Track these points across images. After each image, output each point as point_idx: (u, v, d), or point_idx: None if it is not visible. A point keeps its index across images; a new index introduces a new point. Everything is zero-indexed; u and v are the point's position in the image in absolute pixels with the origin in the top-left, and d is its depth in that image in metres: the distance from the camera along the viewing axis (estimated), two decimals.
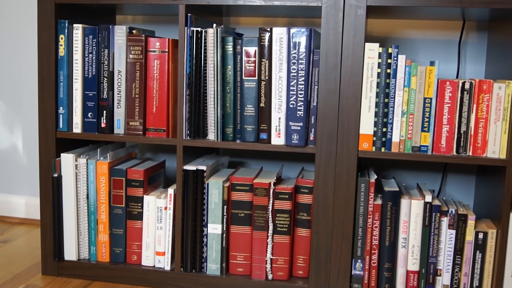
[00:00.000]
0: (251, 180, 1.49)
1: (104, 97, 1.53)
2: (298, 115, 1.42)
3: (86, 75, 1.53)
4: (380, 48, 1.38)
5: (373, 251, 1.45)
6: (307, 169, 1.71)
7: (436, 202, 1.43)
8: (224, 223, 1.51)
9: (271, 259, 1.50)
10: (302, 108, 1.42)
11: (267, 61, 1.43)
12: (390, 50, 1.37)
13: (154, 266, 1.57)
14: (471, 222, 1.42)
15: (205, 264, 1.53)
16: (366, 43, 1.38)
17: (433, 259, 1.44)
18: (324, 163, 1.43)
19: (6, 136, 2.11)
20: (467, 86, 1.37)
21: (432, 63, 1.39)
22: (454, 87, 1.37)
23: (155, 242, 1.55)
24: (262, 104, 1.45)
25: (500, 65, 1.50)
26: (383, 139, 1.41)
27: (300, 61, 1.40)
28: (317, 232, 1.46)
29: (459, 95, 1.37)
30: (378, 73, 1.38)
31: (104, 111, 1.54)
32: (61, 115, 1.55)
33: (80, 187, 1.56)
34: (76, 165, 1.55)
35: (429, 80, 1.37)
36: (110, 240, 1.58)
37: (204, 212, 1.51)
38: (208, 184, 1.50)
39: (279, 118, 1.44)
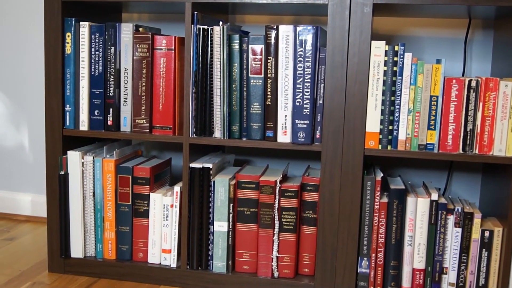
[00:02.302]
0: (257, 178, 1.49)
1: (111, 94, 1.53)
2: (304, 113, 1.42)
3: (93, 73, 1.54)
4: (387, 46, 1.38)
5: (379, 249, 1.45)
6: (313, 167, 1.71)
7: (442, 200, 1.43)
8: (230, 220, 1.51)
9: (277, 257, 1.50)
10: (308, 106, 1.42)
11: (273, 59, 1.43)
12: (396, 48, 1.37)
13: (160, 263, 1.57)
14: (477, 220, 1.42)
15: (211, 261, 1.54)
16: (373, 41, 1.38)
17: (439, 257, 1.44)
18: (330, 161, 1.43)
19: (12, 134, 2.12)
20: (473, 84, 1.36)
21: (438, 61, 1.38)
22: (461, 85, 1.37)
23: (161, 240, 1.56)
24: (268, 102, 1.45)
25: (506, 63, 1.50)
26: (389, 137, 1.41)
27: (306, 59, 1.41)
28: (323, 230, 1.46)
29: (466, 93, 1.37)
30: (385, 71, 1.38)
31: (111, 109, 1.54)
32: (67, 113, 1.56)
33: (86, 185, 1.57)
34: (82, 162, 1.56)
35: (436, 78, 1.37)
36: (117, 238, 1.59)
37: (210, 209, 1.51)
38: (214, 181, 1.50)
39: (285, 116, 1.44)
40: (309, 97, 1.42)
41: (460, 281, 1.44)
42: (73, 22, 1.52)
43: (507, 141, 1.37)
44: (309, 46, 1.40)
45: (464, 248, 1.43)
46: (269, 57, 1.43)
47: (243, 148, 1.89)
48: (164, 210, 1.54)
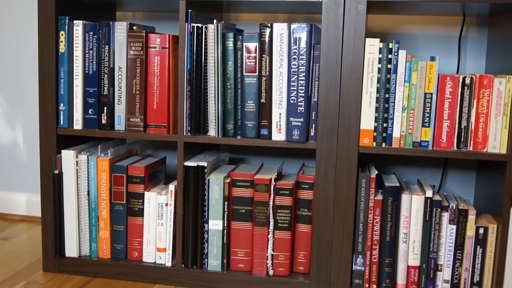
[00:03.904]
0: (252, 176, 1.49)
1: (105, 93, 1.53)
2: (298, 111, 1.42)
3: (87, 72, 1.53)
4: (381, 44, 1.38)
5: (374, 247, 1.45)
6: (307, 165, 1.71)
7: (437, 198, 1.43)
8: (225, 219, 1.51)
9: (272, 255, 1.50)
10: (303, 103, 1.42)
11: (267, 57, 1.43)
12: (390, 46, 1.37)
13: (155, 262, 1.57)
14: (471, 217, 1.42)
15: (206, 260, 1.54)
16: (367, 39, 1.38)
17: (434, 254, 1.44)
18: (324, 158, 1.43)
19: (6, 132, 2.12)
20: (467, 81, 1.37)
21: (432, 58, 1.39)
22: (455, 82, 1.37)
23: (156, 239, 1.56)
24: (262, 100, 1.45)
25: (500, 60, 1.50)
26: (384, 134, 1.41)
27: (300, 57, 1.40)
28: (318, 227, 1.46)
29: (460, 90, 1.37)
30: (379, 69, 1.38)
31: (105, 108, 1.54)
32: (61, 112, 1.55)
33: (81, 184, 1.56)
34: (77, 161, 1.55)
35: (430, 75, 1.37)
36: (111, 237, 1.58)
37: (205, 208, 1.51)
38: (209, 180, 1.50)
39: (280, 114, 1.44)
40: (303, 95, 1.42)
41: (455, 278, 1.44)
42: (66, 20, 1.52)
43: (501, 138, 1.37)
44: (303, 44, 1.40)
45: (459, 245, 1.43)
46: (264, 55, 1.43)
47: (238, 147, 1.89)
48: (158, 209, 1.54)
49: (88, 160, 1.56)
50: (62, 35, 1.52)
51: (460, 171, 1.76)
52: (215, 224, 1.51)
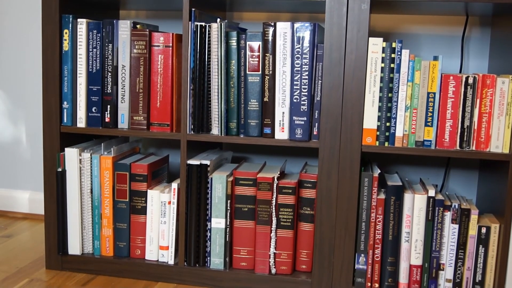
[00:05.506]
0: (254, 174, 1.50)
1: (108, 91, 1.53)
2: (301, 110, 1.43)
3: (90, 70, 1.54)
4: (384, 43, 1.38)
5: (376, 246, 1.45)
6: (310, 164, 1.72)
7: (439, 197, 1.43)
8: (228, 217, 1.51)
9: (274, 253, 1.50)
10: (306, 102, 1.42)
11: (271, 56, 1.43)
12: (394, 45, 1.37)
13: (157, 260, 1.57)
14: (474, 216, 1.42)
15: (208, 258, 1.54)
16: (370, 38, 1.38)
17: (436, 254, 1.44)
18: (327, 157, 1.43)
19: (10, 130, 2.12)
20: (470, 80, 1.37)
21: (435, 58, 1.39)
22: (458, 82, 1.37)
23: (159, 237, 1.56)
24: (266, 99, 1.45)
25: (503, 60, 1.50)
26: (387, 133, 1.41)
27: (304, 56, 1.41)
28: (320, 226, 1.46)
29: (463, 89, 1.37)
30: (382, 68, 1.39)
31: (108, 106, 1.54)
32: (65, 110, 1.56)
33: (84, 182, 1.57)
34: (80, 159, 1.56)
35: (433, 75, 1.38)
36: (114, 235, 1.59)
37: (208, 206, 1.52)
38: (211, 178, 1.50)
39: (283, 113, 1.44)
40: (306, 94, 1.42)
41: (457, 277, 1.45)
42: (70, 19, 1.52)
43: (504, 138, 1.37)
44: (306, 43, 1.40)
45: (461, 245, 1.43)
46: (267, 54, 1.43)
47: (241, 145, 1.89)
48: (161, 207, 1.54)
49: (91, 158, 1.56)
50: (65, 33, 1.53)
51: (462, 170, 1.76)
52: (217, 223, 1.51)
